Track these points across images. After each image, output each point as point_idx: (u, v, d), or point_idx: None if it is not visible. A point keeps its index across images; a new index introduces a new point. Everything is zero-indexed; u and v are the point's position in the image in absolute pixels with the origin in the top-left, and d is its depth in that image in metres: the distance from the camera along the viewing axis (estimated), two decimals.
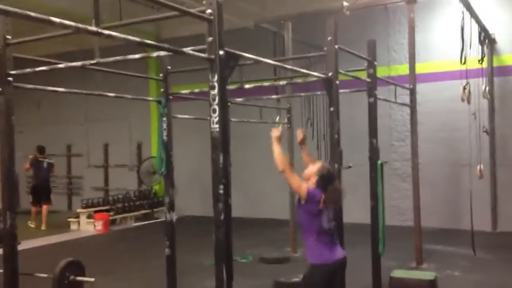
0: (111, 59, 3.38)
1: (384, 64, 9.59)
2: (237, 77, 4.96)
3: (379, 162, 5.35)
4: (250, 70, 5.47)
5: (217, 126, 3.04)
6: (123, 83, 9.35)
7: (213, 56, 3.03)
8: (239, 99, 6.74)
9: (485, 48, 8.45)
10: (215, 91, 3.03)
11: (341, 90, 4.80)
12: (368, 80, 5.42)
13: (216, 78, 3.04)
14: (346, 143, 5.22)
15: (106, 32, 2.30)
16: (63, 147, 14.65)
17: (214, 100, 3.03)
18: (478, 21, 7.97)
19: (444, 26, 9.50)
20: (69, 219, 11.19)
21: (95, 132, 14.09)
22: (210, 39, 3.04)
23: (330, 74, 4.52)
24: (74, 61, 3.66)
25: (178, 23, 11.79)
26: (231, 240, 3.14)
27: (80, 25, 2.15)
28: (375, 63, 5.44)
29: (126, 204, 11.79)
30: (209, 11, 3.03)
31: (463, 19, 6.80)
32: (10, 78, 3.75)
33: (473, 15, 7.59)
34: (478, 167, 7.51)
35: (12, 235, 3.85)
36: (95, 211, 11.04)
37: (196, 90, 5.86)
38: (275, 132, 3.78)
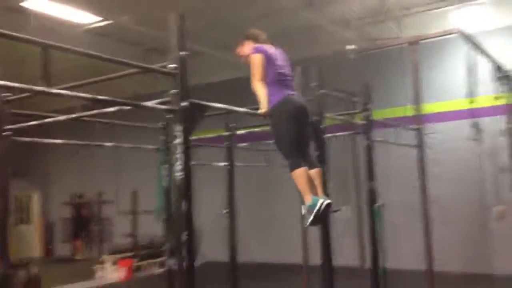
0: (89, 112, 3.56)
1: (399, 105, 9.49)
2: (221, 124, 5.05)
3: (377, 204, 5.28)
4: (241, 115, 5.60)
5: (180, 173, 3.12)
6: (138, 131, 9.65)
7: (176, 107, 3.16)
8: (244, 144, 6.85)
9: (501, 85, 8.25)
10: (179, 141, 3.14)
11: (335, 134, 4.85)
12: (364, 122, 5.42)
13: (179, 128, 3.14)
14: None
15: (55, 91, 2.45)
16: (95, 194, 15.12)
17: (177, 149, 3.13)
18: (492, 60, 7.85)
19: (452, 65, 9.37)
20: (95, 266, 11.37)
21: (125, 179, 14.46)
22: (173, 91, 3.17)
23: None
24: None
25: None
26: None
27: (25, 86, 2.31)
28: (370, 105, 5.46)
29: (151, 250, 11.88)
30: (172, 65, 3.17)
31: (471, 60, 6.71)
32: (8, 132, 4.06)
33: (484, 53, 7.49)
34: (496, 208, 7.23)
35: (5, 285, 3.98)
36: (120, 258, 11.18)
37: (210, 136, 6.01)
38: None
